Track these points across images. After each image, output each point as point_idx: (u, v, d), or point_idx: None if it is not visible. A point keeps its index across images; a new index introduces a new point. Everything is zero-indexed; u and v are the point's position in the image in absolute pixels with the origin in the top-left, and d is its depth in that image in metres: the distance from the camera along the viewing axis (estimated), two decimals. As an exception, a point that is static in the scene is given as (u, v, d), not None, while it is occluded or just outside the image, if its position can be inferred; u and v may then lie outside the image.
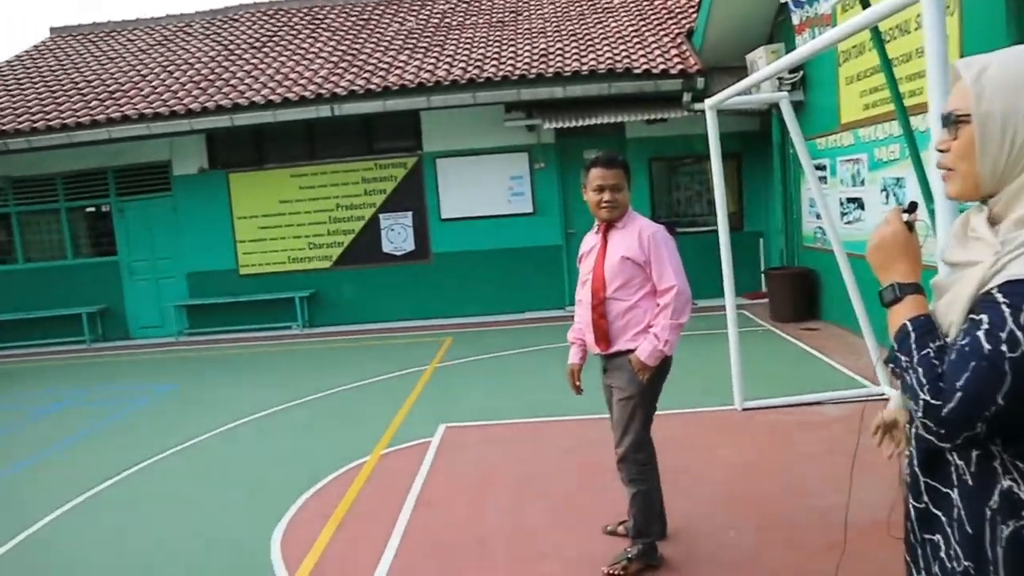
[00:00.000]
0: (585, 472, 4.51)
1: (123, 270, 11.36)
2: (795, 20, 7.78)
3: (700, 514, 3.81)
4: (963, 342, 1.12)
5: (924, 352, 1.17)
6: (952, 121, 1.23)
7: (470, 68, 9.65)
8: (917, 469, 1.29)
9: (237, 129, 9.97)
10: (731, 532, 3.60)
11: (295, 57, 10.91)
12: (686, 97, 9.26)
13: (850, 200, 7.66)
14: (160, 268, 11.28)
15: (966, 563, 1.20)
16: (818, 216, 8.52)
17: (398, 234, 10.80)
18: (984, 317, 1.11)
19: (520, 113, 10.06)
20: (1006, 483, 1.16)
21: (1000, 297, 1.10)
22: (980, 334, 1.10)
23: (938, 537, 1.26)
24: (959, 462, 1.22)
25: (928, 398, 1.12)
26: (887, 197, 6.91)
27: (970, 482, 1.20)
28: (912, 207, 1.35)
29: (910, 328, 1.22)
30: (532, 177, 10.70)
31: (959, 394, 1.09)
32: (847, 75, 7.49)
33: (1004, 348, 1.07)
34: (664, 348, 3.12)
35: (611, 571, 3.18)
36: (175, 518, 4.36)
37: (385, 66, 10.11)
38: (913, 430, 1.29)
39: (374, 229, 10.86)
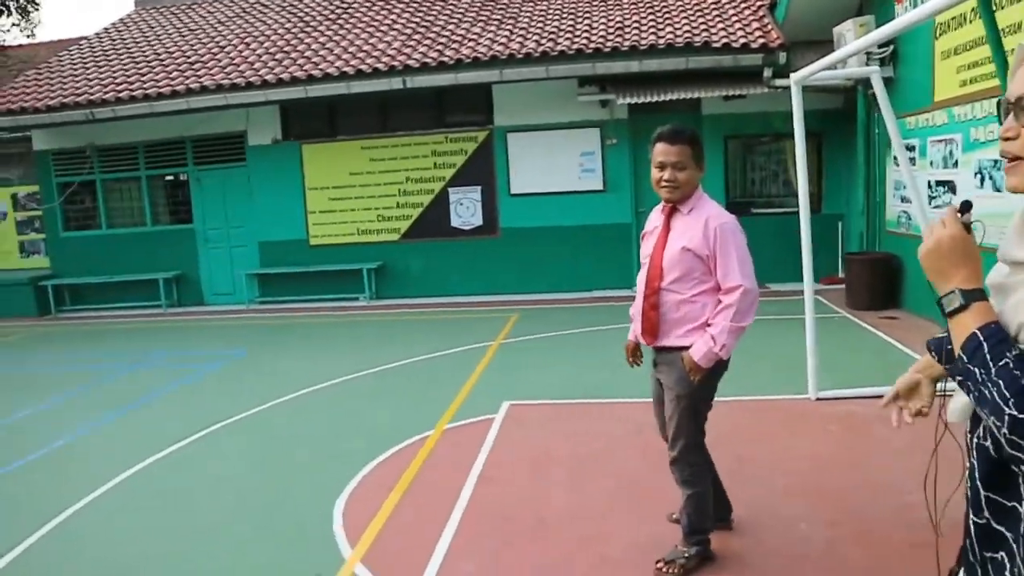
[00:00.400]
0: (649, 455, 4.41)
1: (198, 238, 11.67)
2: None
3: (770, 505, 3.67)
4: None
5: (1003, 363, 1.07)
6: (1023, 107, 1.14)
7: (544, 41, 9.50)
8: (979, 483, 1.19)
9: (310, 100, 10.07)
10: (802, 525, 3.46)
11: (368, 29, 10.94)
12: (767, 73, 8.92)
13: (940, 183, 7.26)
14: (233, 236, 11.55)
15: None
16: (903, 199, 8.13)
17: (467, 208, 10.78)
18: None
19: (593, 88, 9.87)
20: None
21: None
22: None
23: (1002, 555, 1.17)
24: (997, 476, 1.15)
25: (1016, 412, 1.03)
26: (981, 180, 6.52)
27: (1005, 502, 1.14)
28: (966, 206, 1.23)
29: (982, 338, 1.11)
30: (603, 154, 10.51)
31: None
32: (944, 49, 7.06)
33: None
34: (720, 352, 2.86)
35: (666, 570, 3.07)
36: (241, 483, 4.45)
37: (458, 38, 10.03)
38: (974, 440, 1.21)
39: (443, 203, 10.86)
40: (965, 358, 1.13)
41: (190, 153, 11.46)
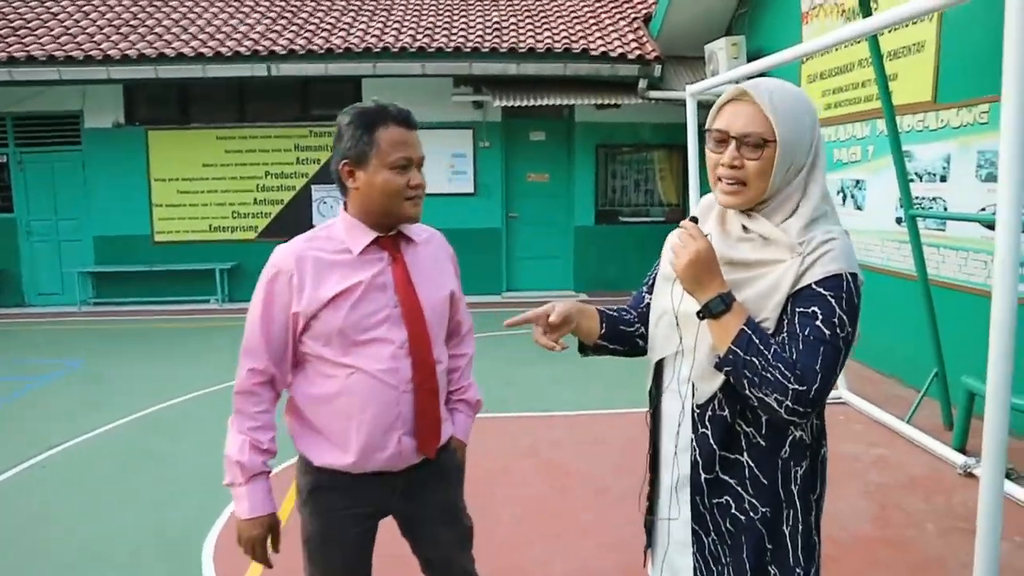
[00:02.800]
0: (551, 474, 4.20)
1: (19, 229, 10.31)
2: (804, 7, 7.57)
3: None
4: (805, 333, 1.32)
5: (773, 349, 1.32)
6: (758, 143, 1.36)
7: (419, 36, 9.13)
8: (715, 446, 1.43)
9: (160, 82, 9.14)
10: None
11: (229, 9, 10.09)
12: (642, 84, 9.01)
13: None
14: (63, 230, 10.29)
15: (764, 509, 1.42)
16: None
17: (331, 207, 10.19)
18: (815, 309, 1.33)
19: (468, 88, 9.61)
20: (797, 434, 1.42)
21: (822, 291, 1.33)
22: (819, 323, 1.32)
23: (727, 499, 1.44)
24: (748, 429, 1.42)
25: (796, 386, 1.29)
26: (844, 198, 6.84)
27: (762, 443, 1.41)
28: (696, 220, 1.44)
29: (749, 332, 1.33)
30: (475, 156, 10.28)
31: (820, 375, 1.30)
32: (809, 73, 7.38)
33: (838, 331, 1.32)
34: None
35: None
36: (94, 514, 3.80)
37: (328, 27, 9.46)
38: (708, 414, 1.43)
39: (305, 201, 10.21)
40: (740, 352, 1.33)
41: (11, 132, 10.10)
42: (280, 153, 10.14)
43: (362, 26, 9.53)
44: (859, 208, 6.61)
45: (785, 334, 1.35)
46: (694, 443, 1.46)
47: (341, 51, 8.77)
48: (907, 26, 5.70)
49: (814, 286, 1.34)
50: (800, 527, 1.44)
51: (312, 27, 9.47)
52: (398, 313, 1.81)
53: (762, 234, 1.41)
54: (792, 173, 1.40)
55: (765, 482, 1.42)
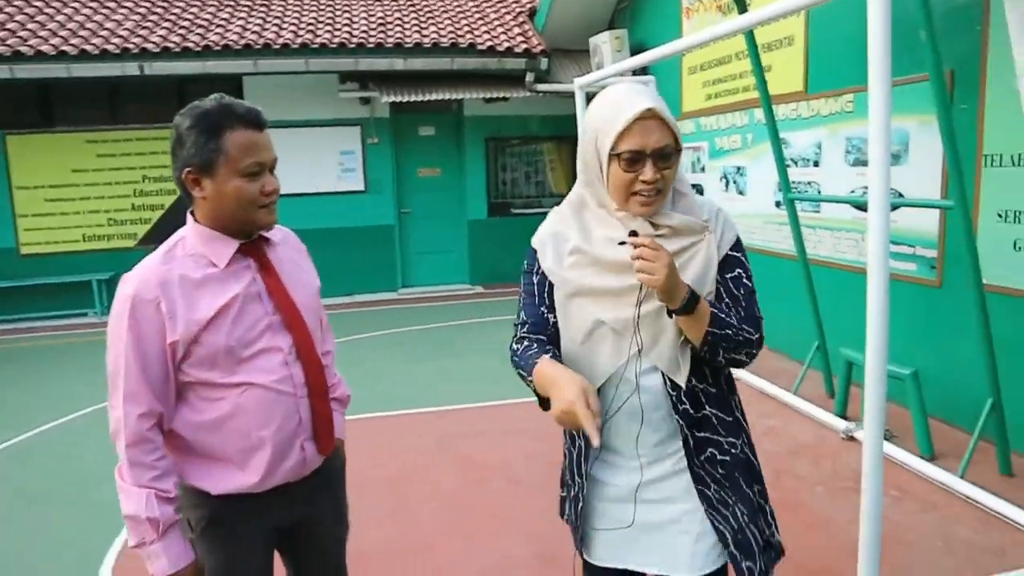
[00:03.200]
0: (461, 468, 4.23)
1: None
2: (684, 2, 7.81)
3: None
4: (741, 292, 1.60)
5: (732, 316, 1.56)
6: (667, 154, 1.52)
7: (302, 32, 8.91)
8: (692, 413, 1.61)
9: (18, 82, 8.51)
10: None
11: (92, 4, 9.51)
12: (529, 77, 9.12)
13: (692, 186, 7.88)
14: (-86, 245, 9.48)
15: (737, 441, 1.66)
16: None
17: (216, 210, 9.79)
18: (739, 271, 1.62)
19: (354, 84, 9.46)
20: (727, 371, 1.69)
21: (735, 253, 1.62)
22: (745, 280, 1.62)
23: (711, 451, 1.63)
24: (703, 386, 1.62)
25: (757, 335, 1.59)
26: (726, 184, 7.16)
27: (713, 391, 1.63)
28: (634, 234, 1.52)
29: (715, 311, 1.53)
30: (364, 153, 10.14)
31: (761, 320, 1.61)
32: (690, 65, 7.67)
33: (752, 279, 1.64)
34: None
35: None
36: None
37: (204, 23, 9.08)
38: (680, 390, 1.60)
39: (188, 205, 9.75)
40: (717, 330, 1.53)
41: None
42: (159, 156, 9.67)
43: (240, 22, 9.20)
44: (741, 193, 6.94)
45: (727, 299, 1.60)
46: (678, 420, 1.61)
47: (219, 48, 8.45)
48: (778, 20, 6.02)
49: (729, 252, 1.62)
50: (750, 440, 1.73)
51: (187, 23, 9.07)
52: (278, 320, 1.73)
53: (671, 225, 1.56)
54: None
55: (729, 419, 1.66)
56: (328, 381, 1.88)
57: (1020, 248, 4.04)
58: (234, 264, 1.70)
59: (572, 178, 10.51)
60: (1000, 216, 4.14)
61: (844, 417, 4.72)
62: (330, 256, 10.04)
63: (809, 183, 5.83)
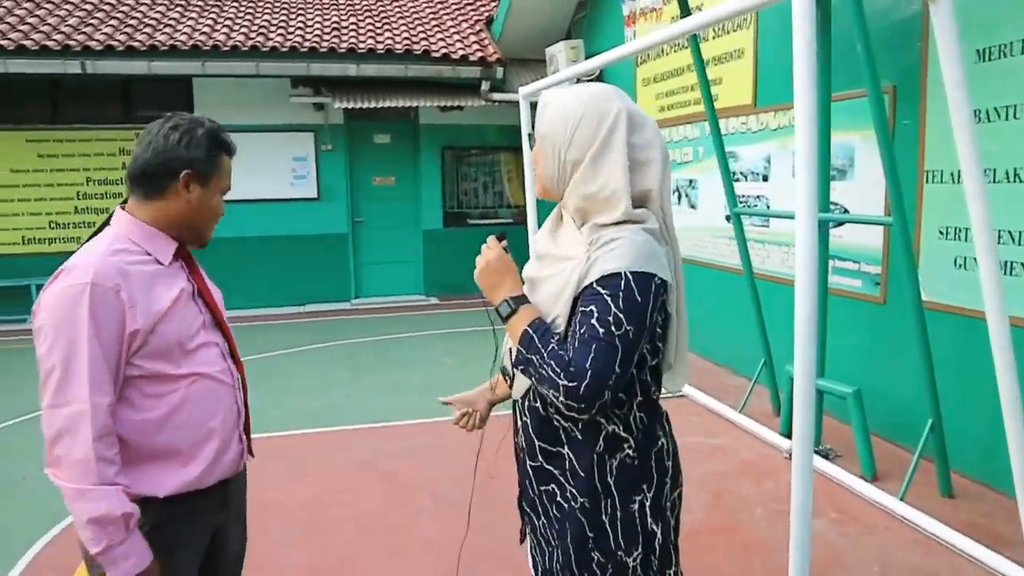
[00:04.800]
0: (388, 488, 4.06)
1: None
2: (624, 11, 7.77)
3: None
4: (581, 331, 1.37)
5: (550, 348, 1.39)
6: (535, 137, 1.56)
7: (253, 35, 8.71)
8: (533, 435, 1.53)
9: (-48, 79, 8.22)
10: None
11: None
12: (484, 86, 9.02)
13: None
14: None
15: (583, 499, 1.49)
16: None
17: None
18: (592, 308, 1.38)
19: (307, 89, 9.27)
20: (610, 428, 1.49)
21: (600, 289, 1.39)
22: (594, 322, 1.37)
23: (553, 487, 1.53)
24: (566, 424, 1.50)
25: (566, 383, 1.34)
26: (679, 198, 7.11)
27: (579, 437, 1.49)
28: (502, 235, 1.59)
29: (531, 332, 1.42)
30: (318, 160, 9.94)
31: (590, 372, 1.34)
32: (644, 76, 7.63)
33: (613, 329, 1.36)
34: None
35: None
36: None
37: (151, 22, 8.84)
38: (526, 404, 1.56)
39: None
40: (523, 350, 1.43)
41: None
42: (103, 157, 9.38)
43: (190, 23, 8.98)
44: (693, 207, 6.89)
45: (570, 332, 1.43)
46: (521, 432, 1.59)
47: (166, 48, 8.22)
48: (728, 33, 5.99)
49: (594, 285, 1.40)
50: (620, 515, 1.50)
51: (133, 22, 8.82)
52: (210, 319, 1.80)
53: (567, 229, 1.55)
54: (566, 166, 1.50)
55: (582, 474, 1.49)
56: None
57: (961, 266, 4.00)
58: (173, 263, 1.75)
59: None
60: (941, 233, 4.10)
61: (788, 436, 4.65)
62: (282, 265, 9.86)
63: (758, 197, 5.79)
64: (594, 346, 1.35)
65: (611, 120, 1.47)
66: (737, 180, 5.82)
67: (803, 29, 2.06)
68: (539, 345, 1.40)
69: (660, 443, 1.57)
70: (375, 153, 10.22)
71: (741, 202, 5.45)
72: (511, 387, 1.64)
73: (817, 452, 4.23)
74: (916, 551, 3.36)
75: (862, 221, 4.37)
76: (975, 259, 3.92)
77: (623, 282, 1.38)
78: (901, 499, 3.76)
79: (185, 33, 8.58)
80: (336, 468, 4.38)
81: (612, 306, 1.37)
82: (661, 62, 7.20)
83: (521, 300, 1.49)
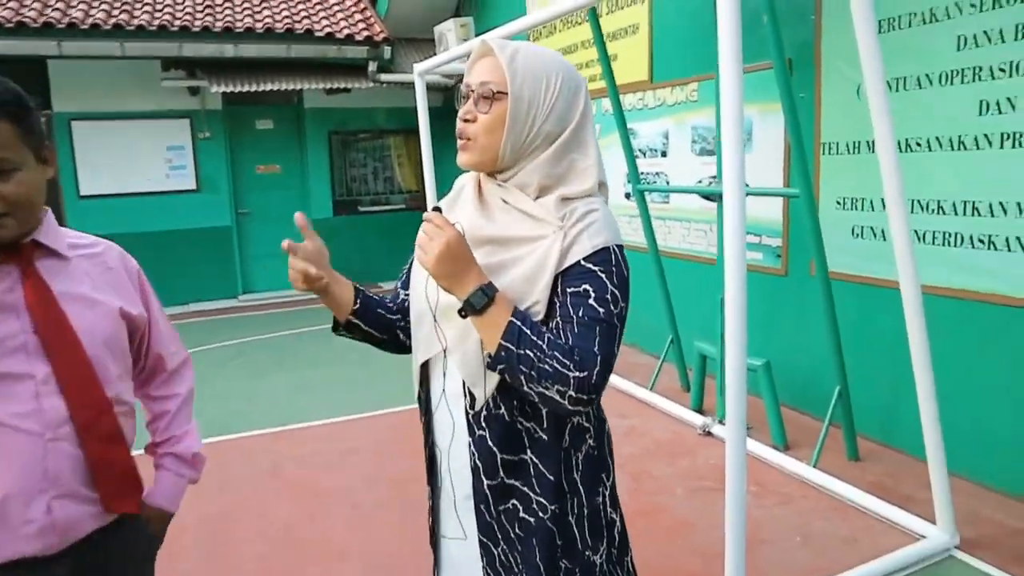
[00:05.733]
0: (300, 497, 3.80)
1: None
2: None
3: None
4: (579, 315, 1.22)
5: (548, 338, 1.21)
6: (488, 95, 1.29)
7: (116, 12, 8.02)
8: (495, 448, 1.32)
9: None
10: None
11: None
12: (372, 67, 8.68)
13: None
14: None
15: (552, 507, 1.32)
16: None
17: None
18: (586, 287, 1.23)
19: (180, 72, 8.66)
20: (575, 420, 1.35)
21: (592, 266, 1.24)
22: (592, 302, 1.23)
23: (514, 503, 1.34)
24: (529, 425, 1.32)
25: (577, 373, 1.18)
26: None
27: (544, 438, 1.32)
28: (439, 210, 1.35)
29: (519, 324, 1.22)
30: (195, 148, 9.32)
31: (600, 357, 1.20)
32: (536, 55, 7.51)
33: (611, 307, 1.24)
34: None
35: None
36: None
37: (-6, -2, 7.99)
38: (483, 414, 1.32)
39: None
40: (512, 347, 1.20)
41: None
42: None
43: (41, -1, 8.18)
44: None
45: (558, 317, 1.26)
46: (472, 448, 1.35)
47: (12, 25, 7.44)
48: (622, 8, 5.94)
49: (583, 262, 1.25)
50: (586, 511, 1.37)
51: (-26, -1, 7.95)
52: (35, 341, 1.35)
53: (521, 208, 1.31)
54: (537, 138, 1.31)
55: (551, 477, 1.33)
56: (164, 433, 1.64)
57: (858, 235, 4.08)
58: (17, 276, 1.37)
59: (422, 173, 10.18)
60: (839, 203, 4.18)
61: (700, 412, 4.67)
62: (161, 262, 9.19)
63: (657, 173, 5.78)
64: (597, 328, 1.22)
65: (584, 92, 1.37)
66: (636, 157, 5.80)
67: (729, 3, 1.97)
68: (533, 337, 1.21)
69: (606, 425, 1.46)
70: (258, 140, 9.69)
71: (642, 179, 5.42)
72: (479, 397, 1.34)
73: (730, 426, 4.25)
74: (833, 517, 3.40)
75: (773, 194, 4.40)
76: (872, 228, 4.03)
77: (613, 256, 1.28)
78: (814, 466, 3.82)
79: (35, 9, 7.80)
80: (240, 479, 4.06)
81: (608, 283, 1.25)
82: (555, 39, 7.09)
83: (494, 288, 1.25)
